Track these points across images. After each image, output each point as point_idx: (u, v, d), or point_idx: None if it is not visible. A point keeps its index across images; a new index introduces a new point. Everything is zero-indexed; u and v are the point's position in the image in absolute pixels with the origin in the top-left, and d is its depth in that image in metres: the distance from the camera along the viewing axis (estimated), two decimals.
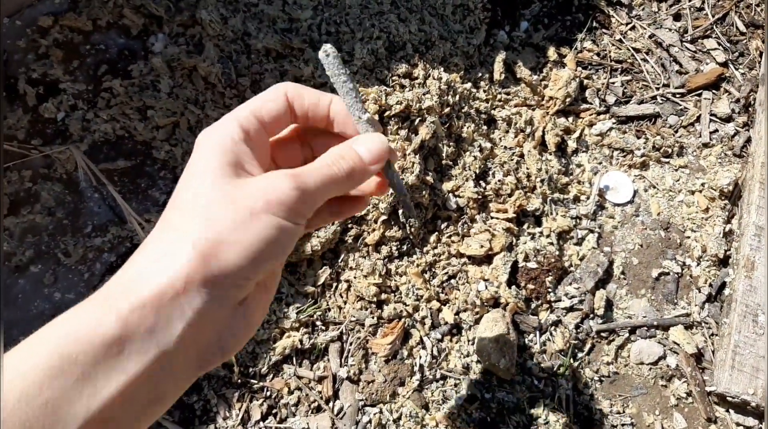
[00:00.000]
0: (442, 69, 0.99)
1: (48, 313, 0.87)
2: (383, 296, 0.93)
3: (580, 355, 0.96)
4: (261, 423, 0.87)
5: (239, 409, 0.87)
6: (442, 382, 0.92)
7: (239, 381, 0.88)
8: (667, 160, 1.13)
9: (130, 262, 0.35)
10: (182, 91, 0.96)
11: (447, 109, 0.96)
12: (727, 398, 0.92)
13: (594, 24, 1.23)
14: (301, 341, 0.90)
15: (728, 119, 1.16)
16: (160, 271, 0.33)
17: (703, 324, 1.00)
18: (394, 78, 0.96)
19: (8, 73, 0.98)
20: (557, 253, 1.00)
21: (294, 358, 0.90)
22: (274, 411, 0.88)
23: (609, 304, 1.00)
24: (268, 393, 0.89)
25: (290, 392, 0.89)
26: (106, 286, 0.34)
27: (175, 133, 0.96)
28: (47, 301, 0.87)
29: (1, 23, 0.92)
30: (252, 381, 0.89)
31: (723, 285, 1.02)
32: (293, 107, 0.43)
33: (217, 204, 0.35)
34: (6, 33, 0.99)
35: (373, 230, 0.93)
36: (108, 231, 0.93)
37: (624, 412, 0.94)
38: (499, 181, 0.99)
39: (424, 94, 0.93)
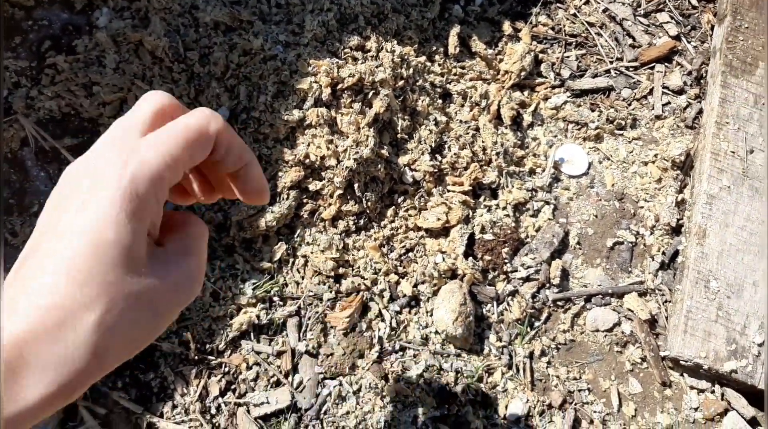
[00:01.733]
0: (395, 42, 0.99)
1: None
2: (341, 270, 0.93)
3: (536, 324, 0.98)
4: (220, 399, 0.87)
5: (197, 386, 0.87)
6: (401, 353, 0.92)
7: (196, 357, 0.87)
8: (620, 132, 1.14)
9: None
10: (129, 66, 0.93)
11: (401, 83, 0.96)
12: (681, 362, 0.95)
13: None
14: (258, 317, 0.89)
15: (680, 92, 1.18)
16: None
17: (656, 291, 1.02)
18: (346, 50, 0.95)
19: None
20: (513, 224, 1.01)
21: (252, 334, 0.90)
22: (232, 387, 0.88)
23: (565, 274, 1.02)
24: (226, 369, 0.88)
25: (249, 368, 0.88)
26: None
27: (123, 109, 0.94)
28: None
29: (1, 21, 0.89)
30: (209, 357, 0.88)
31: (676, 253, 1.05)
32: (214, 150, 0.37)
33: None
34: None
35: (329, 205, 0.93)
36: None
37: (581, 378, 0.96)
38: (455, 154, 0.99)
39: (377, 67, 0.93)
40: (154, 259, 0.35)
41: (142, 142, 0.33)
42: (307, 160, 0.91)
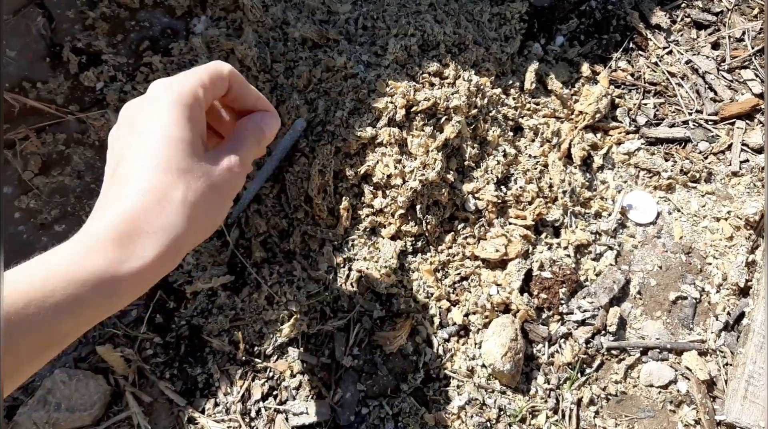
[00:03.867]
0: (473, 72, 1.00)
1: None
2: (394, 290, 0.93)
3: (588, 370, 0.95)
4: (261, 402, 0.87)
5: (240, 387, 0.88)
6: (445, 381, 0.91)
7: (243, 358, 0.89)
8: (694, 184, 1.11)
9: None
10: None
11: (474, 111, 0.97)
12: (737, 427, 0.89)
13: (631, 45, 1.23)
14: (308, 326, 0.90)
15: (760, 150, 1.14)
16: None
17: (717, 352, 0.98)
18: (424, 75, 0.97)
19: (54, 41, 1.02)
20: (573, 265, 0.99)
21: (300, 342, 0.90)
22: (274, 392, 0.88)
23: (622, 322, 0.98)
24: (271, 374, 0.89)
25: (293, 375, 0.89)
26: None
27: None
28: None
29: (1, 21, 0.96)
30: (256, 360, 0.89)
31: (741, 315, 1.00)
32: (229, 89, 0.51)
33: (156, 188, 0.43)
34: (57, 2, 1.04)
35: (390, 223, 0.93)
36: None
37: None
38: (520, 187, 0.99)
39: (452, 94, 0.94)
40: (209, 155, 0.47)
41: (177, 76, 0.46)
42: (374, 178, 0.92)
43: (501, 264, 0.97)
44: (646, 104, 1.18)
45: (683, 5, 1.29)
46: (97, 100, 1.00)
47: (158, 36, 1.05)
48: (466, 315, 0.94)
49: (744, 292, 1.02)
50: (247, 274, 0.93)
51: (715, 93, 1.20)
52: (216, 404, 0.87)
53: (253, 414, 0.87)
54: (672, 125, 1.16)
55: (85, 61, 1.02)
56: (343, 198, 0.92)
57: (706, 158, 1.14)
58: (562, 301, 0.97)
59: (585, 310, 0.97)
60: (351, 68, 0.94)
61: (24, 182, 0.93)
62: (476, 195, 0.97)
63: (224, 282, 0.91)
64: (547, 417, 0.91)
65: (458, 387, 0.91)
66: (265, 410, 0.87)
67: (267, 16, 1.01)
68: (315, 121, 0.94)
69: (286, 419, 0.87)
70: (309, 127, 0.94)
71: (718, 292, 1.02)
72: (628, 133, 1.14)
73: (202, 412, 0.86)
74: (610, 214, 1.06)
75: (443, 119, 0.94)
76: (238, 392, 0.87)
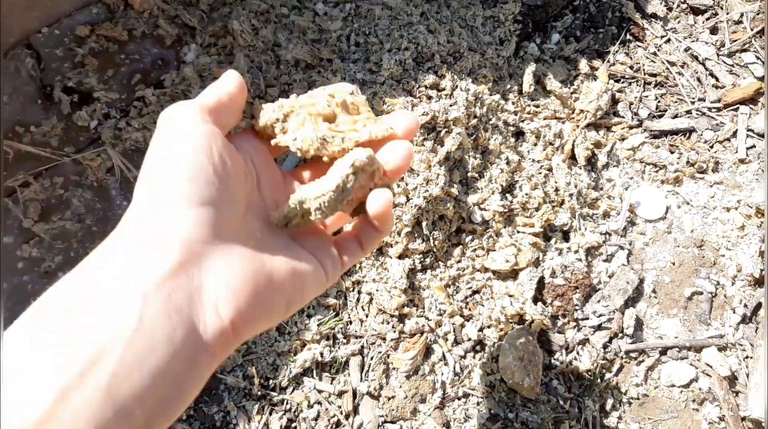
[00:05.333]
0: (470, 80, 0.98)
1: None
2: (405, 310, 0.92)
3: (608, 375, 0.94)
4: None
5: (258, 422, 0.87)
6: (464, 399, 0.90)
7: (259, 393, 0.88)
8: (701, 175, 1.09)
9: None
10: None
11: (474, 121, 0.95)
12: (763, 424, 0.88)
13: (628, 37, 1.21)
14: (321, 354, 0.89)
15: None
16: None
17: (737, 346, 0.96)
18: (420, 89, 0.95)
19: (44, 82, 1.01)
20: (585, 269, 0.98)
21: (314, 371, 0.90)
22: (293, 424, 0.88)
23: (639, 323, 0.97)
24: (288, 406, 0.88)
25: (310, 406, 0.88)
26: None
27: None
28: None
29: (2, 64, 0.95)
30: (272, 393, 0.88)
31: (758, 306, 0.98)
32: None
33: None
34: (44, 42, 1.02)
35: (396, 243, 0.92)
36: None
37: None
38: (526, 194, 0.97)
39: (450, 106, 0.93)
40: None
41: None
42: None
43: (512, 274, 0.96)
44: (647, 96, 1.16)
45: None
46: (93, 140, 0.99)
47: (149, 68, 1.04)
48: (481, 329, 0.93)
49: (759, 282, 1.00)
50: None
51: (717, 79, 1.18)
52: None
53: None
54: (675, 116, 1.14)
55: (77, 99, 1.00)
56: None
57: (712, 147, 1.12)
58: (577, 307, 0.96)
59: (600, 315, 0.96)
60: None
61: (25, 230, 0.93)
62: (482, 206, 0.95)
63: None
64: (570, 426, 0.90)
65: (478, 404, 0.90)
66: None
67: (257, 39, 0.99)
68: None
69: None
70: None
71: (733, 284, 1.01)
72: (631, 127, 1.13)
73: None
74: (618, 213, 1.05)
75: (443, 132, 0.93)
76: (256, 427, 0.87)
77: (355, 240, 0.45)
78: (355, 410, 0.88)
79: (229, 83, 0.40)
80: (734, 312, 0.99)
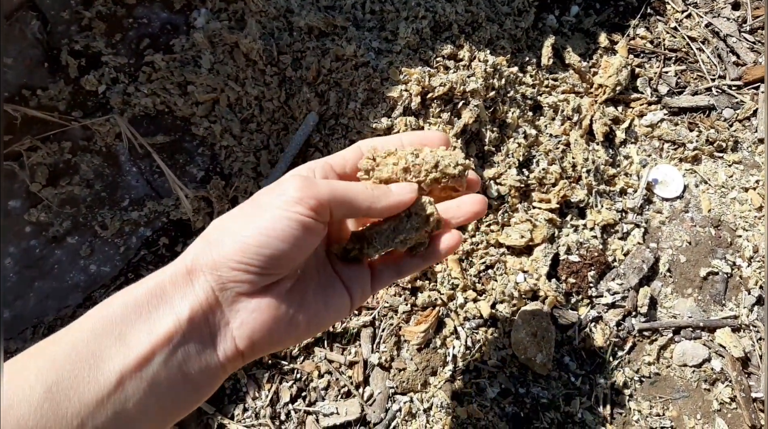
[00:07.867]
0: (488, 51, 0.95)
1: (83, 284, 0.87)
2: (418, 283, 0.90)
3: (620, 353, 0.93)
4: (290, 405, 0.86)
5: (269, 390, 0.86)
6: (475, 373, 0.89)
7: (269, 361, 0.87)
8: (720, 154, 1.07)
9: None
10: (223, 67, 0.94)
11: (492, 93, 0.93)
12: None
13: (648, 10, 1.17)
14: (333, 324, 0.88)
15: None
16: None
17: (751, 327, 0.95)
18: (438, 59, 0.93)
19: (51, 45, 0.98)
20: (601, 247, 0.96)
21: (325, 342, 0.89)
22: (303, 394, 0.87)
23: (653, 303, 0.96)
24: (298, 375, 0.88)
25: (320, 376, 0.87)
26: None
27: (215, 110, 0.95)
28: (83, 272, 0.87)
29: (2, 26, 0.92)
30: (282, 362, 0.88)
31: None
32: None
33: None
34: (50, 4, 0.99)
35: None
36: (145, 205, 0.93)
37: (664, 414, 0.90)
38: (543, 169, 0.95)
39: (468, 77, 0.90)
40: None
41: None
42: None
43: (527, 250, 0.94)
44: (667, 72, 1.14)
45: None
46: (101, 105, 0.96)
47: (158, 32, 1.01)
48: (494, 304, 0.92)
49: None
50: None
51: (738, 56, 1.15)
52: (245, 409, 0.86)
53: (282, 417, 0.86)
54: (695, 93, 1.12)
55: (85, 63, 0.98)
56: None
57: (731, 126, 1.10)
58: (591, 285, 0.95)
59: (615, 293, 0.95)
60: (361, 56, 0.90)
61: (32, 195, 0.91)
62: (498, 180, 0.94)
63: None
64: (581, 403, 0.89)
65: (489, 378, 0.89)
66: (295, 412, 0.86)
67: (270, 5, 0.96)
68: (327, 115, 0.91)
69: (317, 420, 0.86)
70: (321, 121, 0.91)
71: (749, 265, 1.00)
72: (650, 104, 1.10)
73: (232, 418, 0.85)
74: (635, 191, 1.03)
75: (460, 104, 0.90)
76: (266, 396, 0.86)
77: (395, 266, 0.51)
78: (366, 381, 0.87)
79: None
80: (749, 293, 0.98)
